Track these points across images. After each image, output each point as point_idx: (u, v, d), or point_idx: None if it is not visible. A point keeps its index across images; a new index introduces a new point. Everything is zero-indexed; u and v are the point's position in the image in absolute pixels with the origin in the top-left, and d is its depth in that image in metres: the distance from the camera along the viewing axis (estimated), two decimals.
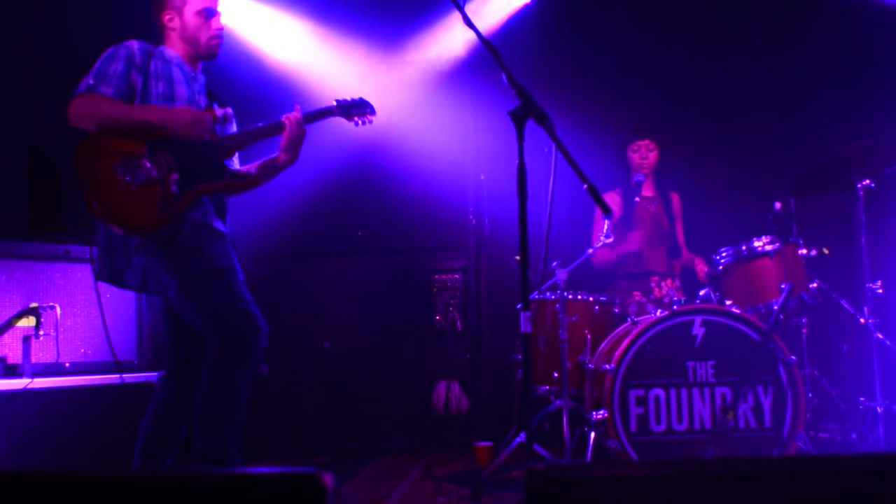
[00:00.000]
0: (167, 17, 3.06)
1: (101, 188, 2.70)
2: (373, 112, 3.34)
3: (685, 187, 4.95)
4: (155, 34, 3.12)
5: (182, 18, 3.04)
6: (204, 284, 2.80)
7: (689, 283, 4.63)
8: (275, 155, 3.13)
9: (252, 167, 3.19)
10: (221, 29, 3.11)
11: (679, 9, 5.53)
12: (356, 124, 3.32)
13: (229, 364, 2.79)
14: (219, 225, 2.93)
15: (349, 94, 3.32)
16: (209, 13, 3.06)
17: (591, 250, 4.14)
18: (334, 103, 3.26)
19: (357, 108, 3.30)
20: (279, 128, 3.07)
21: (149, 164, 2.76)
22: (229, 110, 3.09)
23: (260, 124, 3.07)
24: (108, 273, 2.92)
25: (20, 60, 4.86)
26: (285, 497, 1.12)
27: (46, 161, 5.00)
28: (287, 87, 5.62)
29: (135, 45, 2.95)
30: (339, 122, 3.27)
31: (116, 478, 1.21)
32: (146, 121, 2.79)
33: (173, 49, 3.08)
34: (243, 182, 2.97)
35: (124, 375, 3.82)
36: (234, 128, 3.18)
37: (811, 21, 5.28)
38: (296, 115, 3.07)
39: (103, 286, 4.02)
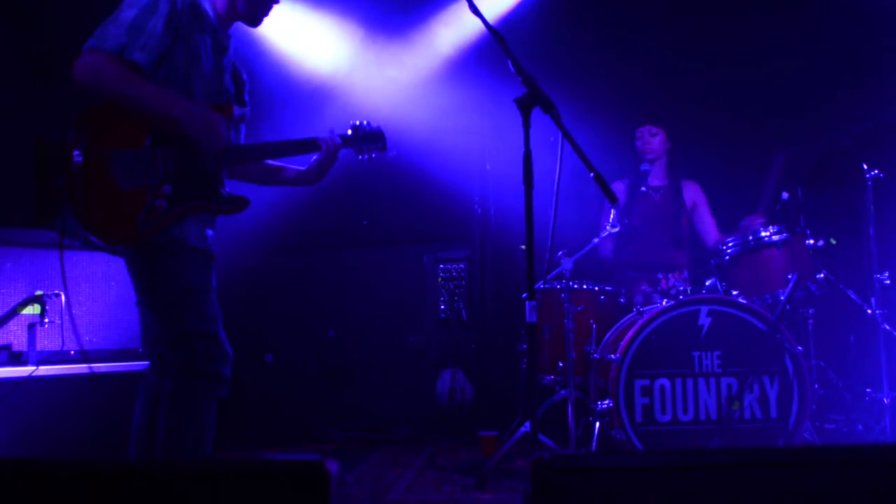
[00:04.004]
0: None
1: (87, 183, 2.45)
2: (383, 148, 3.01)
3: (698, 178, 4.90)
4: None
5: None
6: (170, 301, 2.55)
7: (698, 274, 4.60)
8: (301, 169, 2.92)
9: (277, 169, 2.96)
10: (276, 3, 2.79)
11: None
12: (361, 158, 3.01)
13: (187, 391, 2.55)
14: (199, 241, 2.62)
15: (365, 117, 3.01)
16: None
17: (596, 240, 4.12)
18: (349, 132, 2.97)
19: (369, 142, 2.99)
20: (311, 146, 2.82)
21: (144, 168, 2.48)
22: (247, 110, 2.85)
23: (290, 138, 2.81)
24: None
25: (23, 48, 4.86)
26: (290, 484, 1.11)
27: (51, 149, 5.00)
28: (290, 76, 5.61)
29: None
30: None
31: (121, 466, 1.21)
32: (170, 116, 2.46)
33: (216, 1, 2.71)
34: (235, 207, 2.68)
35: (128, 363, 3.83)
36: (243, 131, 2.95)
37: (823, 9, 5.25)
38: (333, 140, 2.85)
39: (109, 273, 4.05)
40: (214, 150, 2.57)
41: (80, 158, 2.46)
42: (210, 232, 2.71)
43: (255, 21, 2.79)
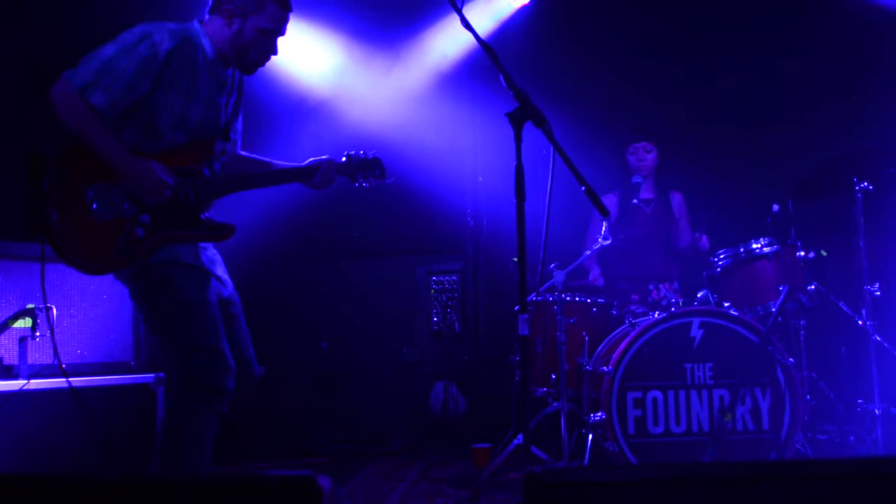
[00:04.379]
0: (228, 12, 2.65)
1: (65, 217, 2.48)
2: (381, 176, 2.98)
3: (684, 189, 4.94)
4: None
5: (242, 26, 2.65)
6: (169, 319, 2.58)
7: (689, 286, 4.61)
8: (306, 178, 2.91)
9: (273, 166, 2.95)
10: (274, 55, 2.77)
11: (679, 11, 5.53)
12: (357, 186, 2.97)
13: (189, 404, 2.55)
14: (191, 258, 2.63)
15: (363, 146, 2.97)
16: (272, 35, 2.71)
17: (588, 252, 4.14)
18: (343, 160, 2.94)
19: (364, 170, 2.96)
20: (308, 175, 2.83)
21: (121, 198, 2.52)
22: (228, 145, 2.83)
23: (285, 166, 2.82)
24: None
25: (19, 61, 4.85)
26: (282, 500, 1.11)
27: (45, 162, 4.98)
28: (282, 90, 5.61)
29: (164, 44, 2.52)
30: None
31: (112, 481, 1.20)
32: (113, 168, 2.50)
33: (215, 37, 2.67)
34: (217, 234, 2.68)
35: (120, 376, 3.81)
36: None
37: (813, 23, 5.28)
38: (324, 168, 2.84)
39: (101, 287, 4.03)
40: (154, 201, 2.55)
41: (59, 193, 2.49)
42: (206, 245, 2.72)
43: (247, 70, 2.79)
